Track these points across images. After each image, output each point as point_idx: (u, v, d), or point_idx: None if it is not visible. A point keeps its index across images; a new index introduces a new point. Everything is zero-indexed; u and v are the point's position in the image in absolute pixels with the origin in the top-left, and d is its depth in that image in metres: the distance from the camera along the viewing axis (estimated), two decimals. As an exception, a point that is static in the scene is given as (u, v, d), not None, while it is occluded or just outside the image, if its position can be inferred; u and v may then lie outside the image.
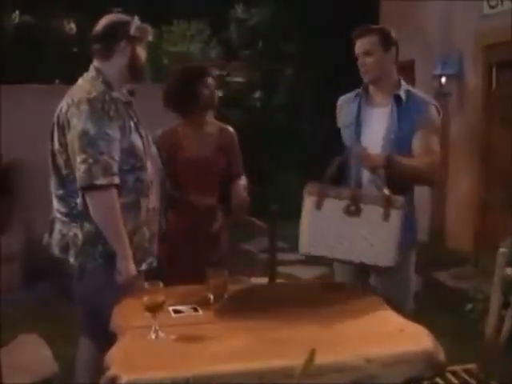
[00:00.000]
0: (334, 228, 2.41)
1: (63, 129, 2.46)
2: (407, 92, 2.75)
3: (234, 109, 8.77)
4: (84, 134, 2.38)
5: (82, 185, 2.40)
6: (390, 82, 2.77)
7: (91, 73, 2.57)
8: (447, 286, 5.34)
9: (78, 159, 2.38)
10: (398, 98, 2.73)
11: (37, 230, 3.55)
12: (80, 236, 2.47)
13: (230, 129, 3.21)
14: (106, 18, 2.61)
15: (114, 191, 2.42)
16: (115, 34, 2.55)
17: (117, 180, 2.42)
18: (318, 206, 2.43)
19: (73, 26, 8.07)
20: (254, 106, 9.41)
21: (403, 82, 2.80)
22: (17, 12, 7.72)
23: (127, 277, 2.43)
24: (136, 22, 2.60)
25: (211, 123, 3.17)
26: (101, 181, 2.38)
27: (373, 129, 2.74)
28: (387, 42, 2.73)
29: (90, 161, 2.37)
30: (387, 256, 2.38)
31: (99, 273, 2.48)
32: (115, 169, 2.42)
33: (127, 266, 2.44)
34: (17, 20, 7.73)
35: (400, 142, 2.67)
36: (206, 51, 9.51)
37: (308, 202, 2.45)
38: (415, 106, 2.72)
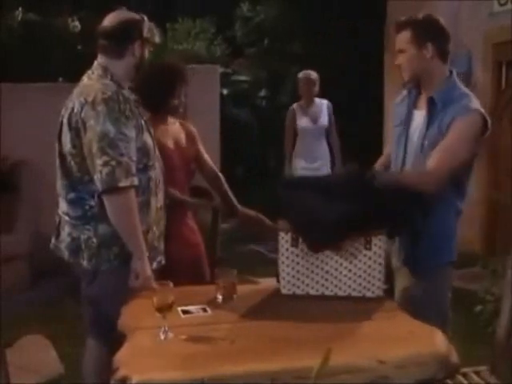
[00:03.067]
0: (316, 264, 2.30)
1: (77, 130, 2.40)
2: (447, 94, 2.43)
3: (239, 107, 8.76)
4: (104, 136, 2.34)
5: (104, 188, 2.35)
6: (431, 81, 2.47)
7: (97, 71, 2.51)
8: (456, 287, 5.25)
9: (99, 162, 2.33)
10: (432, 101, 2.45)
11: (44, 230, 3.53)
12: (94, 239, 2.44)
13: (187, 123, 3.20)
14: (116, 14, 2.53)
15: (133, 192, 2.39)
16: (130, 33, 2.49)
17: (136, 181, 2.40)
18: (295, 243, 2.29)
19: (77, 23, 8.04)
20: (259, 104, 9.39)
21: (453, 81, 2.49)
22: (20, 9, 7.70)
23: (144, 278, 2.40)
24: (147, 22, 2.56)
25: (171, 121, 3.11)
26: (123, 183, 2.34)
27: (413, 133, 2.52)
28: (421, 36, 2.44)
29: (113, 163, 2.33)
30: (374, 285, 2.29)
31: (113, 274, 2.46)
32: (134, 169, 2.39)
33: (144, 267, 2.41)
34: (20, 17, 7.70)
35: (431, 150, 2.41)
36: (211, 49, 9.50)
37: (283, 239, 2.31)
38: (451, 111, 2.39)
